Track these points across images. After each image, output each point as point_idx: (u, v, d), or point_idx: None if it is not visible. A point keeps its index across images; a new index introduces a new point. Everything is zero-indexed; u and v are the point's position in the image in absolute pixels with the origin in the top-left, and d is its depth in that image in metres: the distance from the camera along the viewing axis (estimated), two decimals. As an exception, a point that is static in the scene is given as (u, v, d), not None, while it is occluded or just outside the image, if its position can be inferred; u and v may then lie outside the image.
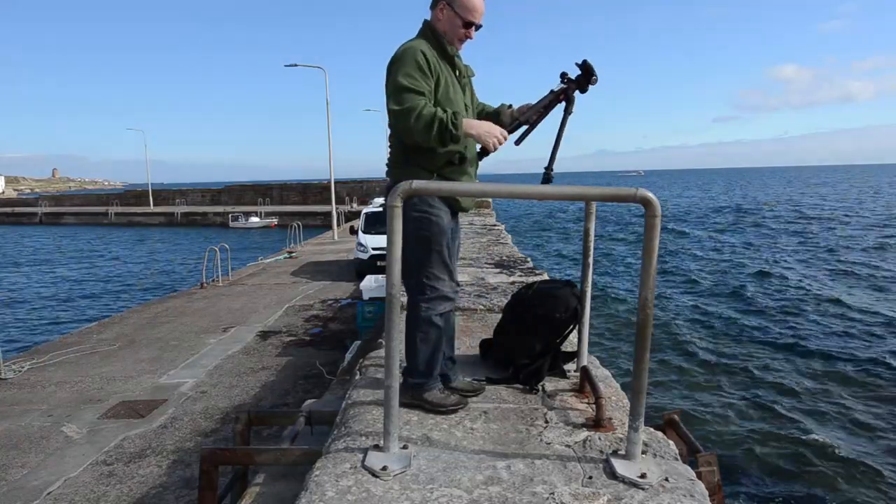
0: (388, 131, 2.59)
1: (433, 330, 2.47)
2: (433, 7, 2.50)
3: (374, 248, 13.41)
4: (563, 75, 2.60)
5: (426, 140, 2.32)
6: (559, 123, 2.62)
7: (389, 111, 2.34)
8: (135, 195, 60.58)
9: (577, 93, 2.59)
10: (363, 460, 2.04)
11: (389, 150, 2.59)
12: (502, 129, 2.47)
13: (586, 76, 2.57)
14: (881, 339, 11.83)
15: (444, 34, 2.47)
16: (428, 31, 2.49)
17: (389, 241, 1.91)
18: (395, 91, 2.33)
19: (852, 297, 15.60)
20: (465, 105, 2.55)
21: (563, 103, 2.59)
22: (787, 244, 26.35)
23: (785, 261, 21.89)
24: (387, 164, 2.60)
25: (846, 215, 38.87)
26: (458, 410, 2.50)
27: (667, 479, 1.92)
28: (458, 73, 2.56)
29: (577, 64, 2.59)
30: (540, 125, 2.64)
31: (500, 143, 2.44)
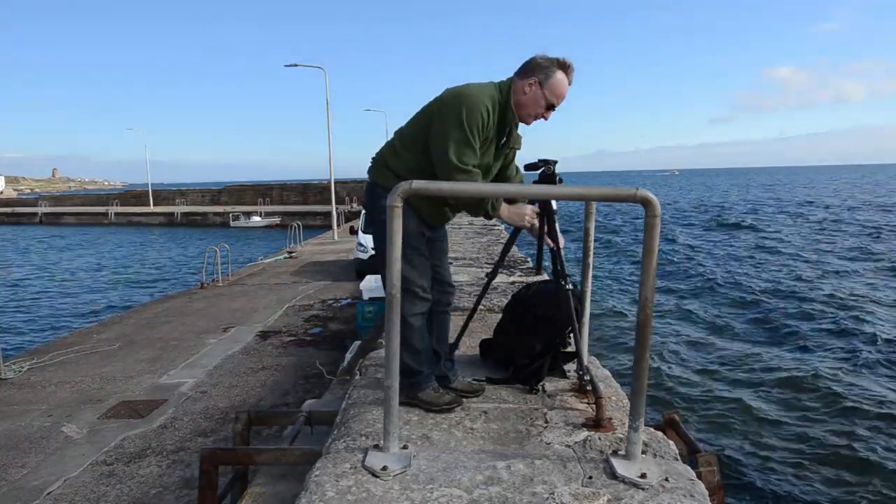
0: (389, 131, 2.60)
1: (408, 329, 2.46)
2: (521, 77, 2.46)
3: (374, 248, 13.40)
4: (538, 177, 2.69)
5: (462, 199, 2.47)
6: (547, 226, 2.76)
7: (444, 157, 2.33)
8: (135, 195, 60.57)
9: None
10: (363, 460, 2.04)
11: (392, 149, 2.55)
12: (533, 208, 2.62)
13: (545, 171, 2.67)
14: (885, 337, 11.83)
15: (520, 106, 2.47)
16: (505, 90, 2.46)
17: (389, 241, 1.92)
18: (457, 142, 2.32)
19: (854, 295, 15.60)
20: (489, 168, 2.55)
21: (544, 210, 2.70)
22: (788, 243, 26.36)
23: (786, 260, 21.90)
24: (377, 162, 2.58)
25: (843, 213, 38.91)
26: (452, 409, 2.51)
27: (667, 479, 1.92)
28: (503, 141, 2.55)
29: (533, 165, 2.70)
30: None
31: (532, 220, 2.63)
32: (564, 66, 2.46)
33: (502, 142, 2.54)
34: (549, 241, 2.76)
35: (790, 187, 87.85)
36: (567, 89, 2.49)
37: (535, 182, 2.69)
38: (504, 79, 2.53)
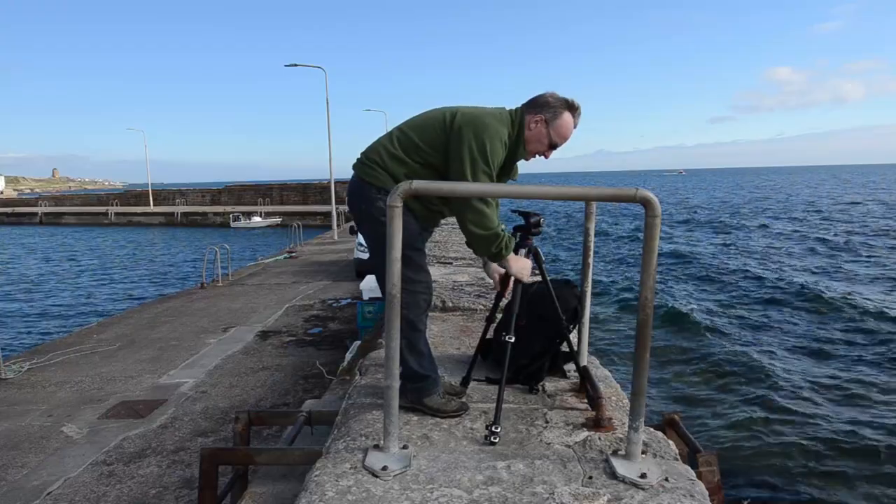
0: (389, 130, 2.55)
1: (415, 333, 2.44)
2: (528, 112, 2.43)
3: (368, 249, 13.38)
4: (513, 233, 2.68)
5: (475, 232, 2.36)
6: (539, 277, 2.75)
7: (459, 173, 2.30)
8: (135, 195, 60.57)
9: (534, 238, 2.70)
10: (363, 460, 2.04)
11: (390, 152, 2.43)
12: (530, 267, 2.60)
13: (527, 221, 2.67)
14: (884, 335, 11.83)
15: (525, 141, 2.45)
16: (517, 124, 2.42)
17: (390, 242, 1.92)
18: (481, 175, 2.30)
19: (854, 293, 15.59)
20: None
21: (533, 259, 2.68)
22: (786, 243, 26.36)
23: (785, 259, 21.89)
24: (372, 161, 2.45)
25: (835, 213, 38.93)
26: (460, 415, 2.47)
27: (667, 479, 1.92)
28: (505, 171, 2.52)
29: (517, 212, 2.71)
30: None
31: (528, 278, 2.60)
32: (573, 108, 2.44)
33: (504, 174, 2.51)
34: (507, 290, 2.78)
35: (797, 187, 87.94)
36: (572, 132, 2.47)
37: (518, 227, 2.70)
38: (513, 108, 2.48)
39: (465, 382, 2.78)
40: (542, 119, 2.41)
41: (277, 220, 42.66)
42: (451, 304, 4.69)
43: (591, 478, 1.94)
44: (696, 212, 45.90)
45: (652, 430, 2.34)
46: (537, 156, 2.52)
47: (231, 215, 45.03)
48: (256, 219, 43.94)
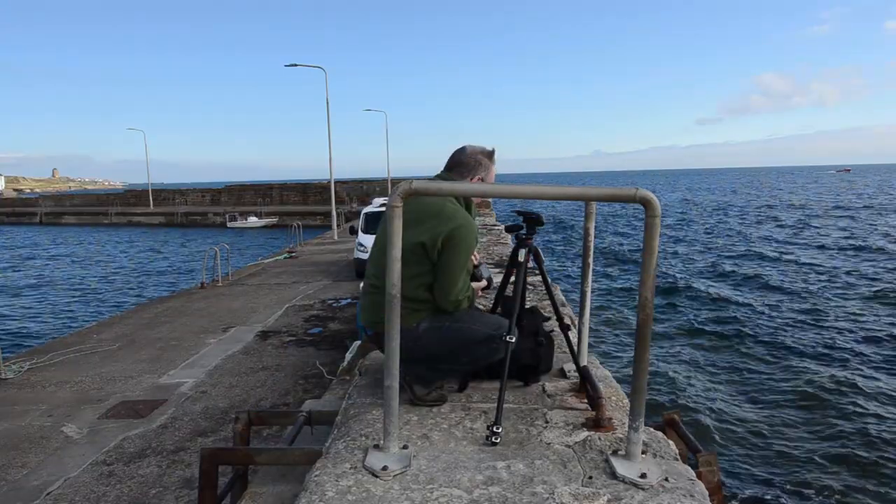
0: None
1: None
2: (465, 176, 2.64)
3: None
4: (516, 237, 2.77)
5: (447, 308, 2.54)
6: (541, 278, 2.84)
7: (443, 289, 2.44)
8: (135, 195, 60.55)
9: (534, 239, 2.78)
10: (363, 460, 2.04)
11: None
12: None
13: (529, 224, 2.73)
14: (883, 334, 11.83)
15: (471, 202, 2.69)
16: (464, 203, 2.59)
17: (389, 242, 1.92)
18: (454, 281, 2.45)
19: (852, 292, 15.59)
20: None
21: (533, 258, 2.74)
22: (784, 242, 26.35)
23: (783, 258, 21.89)
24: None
25: (840, 213, 38.94)
26: (438, 405, 2.55)
27: (667, 479, 1.92)
28: None
29: (517, 213, 2.79)
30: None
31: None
32: (492, 156, 2.71)
33: None
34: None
35: (795, 188, 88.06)
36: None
37: (517, 227, 2.76)
38: (443, 174, 2.67)
39: (462, 388, 2.78)
40: (479, 179, 2.66)
41: (273, 219, 42.77)
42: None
43: (591, 478, 1.94)
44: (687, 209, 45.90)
45: (652, 430, 2.34)
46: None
47: (227, 215, 45.07)
48: (252, 219, 44.04)
